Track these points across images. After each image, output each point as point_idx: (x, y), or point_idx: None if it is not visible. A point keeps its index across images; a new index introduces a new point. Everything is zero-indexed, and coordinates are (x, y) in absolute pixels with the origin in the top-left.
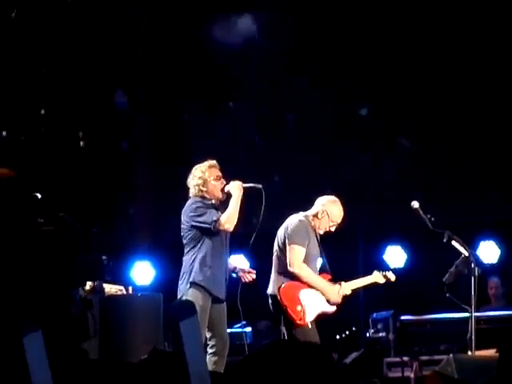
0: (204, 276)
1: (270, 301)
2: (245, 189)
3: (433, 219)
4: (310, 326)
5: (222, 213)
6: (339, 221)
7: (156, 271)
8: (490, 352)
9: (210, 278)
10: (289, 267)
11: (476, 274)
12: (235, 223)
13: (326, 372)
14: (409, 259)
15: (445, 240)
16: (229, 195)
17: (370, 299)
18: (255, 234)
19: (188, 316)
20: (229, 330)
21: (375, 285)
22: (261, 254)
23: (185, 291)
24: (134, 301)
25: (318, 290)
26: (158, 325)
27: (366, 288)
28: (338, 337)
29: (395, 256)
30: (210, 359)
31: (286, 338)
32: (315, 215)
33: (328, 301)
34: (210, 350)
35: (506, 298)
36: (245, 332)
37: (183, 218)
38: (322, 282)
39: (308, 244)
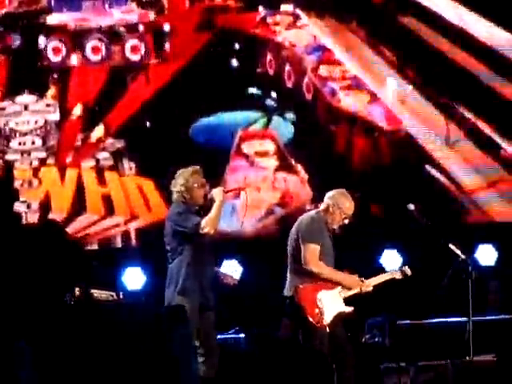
0: (190, 284)
1: (285, 302)
2: (227, 192)
3: (429, 222)
4: (327, 329)
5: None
6: (351, 212)
7: (147, 277)
8: (488, 357)
9: (196, 286)
10: (305, 266)
11: (473, 277)
12: (216, 227)
13: None
14: (404, 263)
15: (441, 243)
16: (212, 201)
17: (366, 304)
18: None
19: (180, 322)
20: (222, 337)
21: (394, 281)
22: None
23: (171, 300)
24: (125, 306)
25: (338, 283)
26: (148, 330)
27: (384, 284)
28: None
29: (391, 259)
30: (200, 367)
31: (302, 341)
32: (326, 210)
33: (345, 300)
34: (200, 359)
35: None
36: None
37: (167, 224)
38: (340, 274)
39: (323, 240)
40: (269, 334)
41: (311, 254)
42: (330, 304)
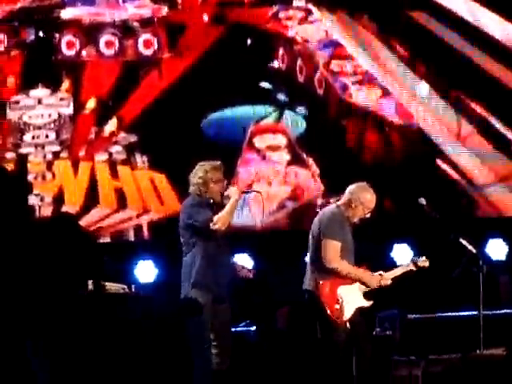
0: (205, 277)
1: (306, 296)
2: (243, 193)
3: (438, 216)
4: (347, 325)
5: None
6: (373, 206)
7: (159, 270)
8: (498, 351)
9: (211, 279)
10: (325, 263)
11: (484, 271)
12: (227, 224)
13: None
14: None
15: (452, 237)
16: (227, 198)
17: (376, 297)
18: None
19: (194, 315)
20: (233, 330)
21: (410, 273)
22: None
23: (186, 293)
24: (137, 299)
25: (359, 281)
26: (161, 323)
27: (402, 277)
28: None
29: (402, 253)
30: (213, 359)
31: (320, 335)
32: (348, 205)
33: (365, 294)
34: (213, 351)
35: None
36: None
37: (180, 216)
38: (361, 272)
39: (344, 236)
40: (278, 327)
41: (332, 250)
42: (350, 299)
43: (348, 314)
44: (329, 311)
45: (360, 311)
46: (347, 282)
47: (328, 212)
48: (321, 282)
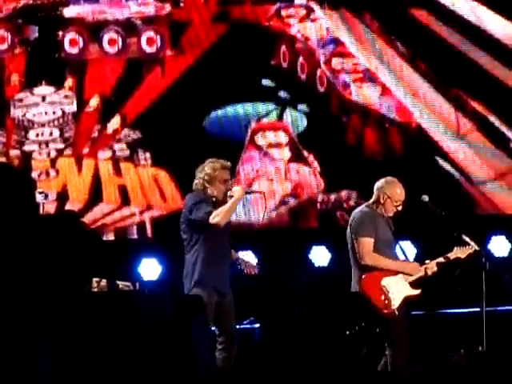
0: (208, 274)
1: (353, 298)
2: (247, 193)
3: (443, 213)
4: (396, 313)
5: None
6: (402, 198)
7: (162, 267)
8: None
9: (214, 275)
10: (360, 260)
11: (487, 268)
12: (227, 220)
13: None
14: (418, 254)
15: (455, 234)
16: (230, 198)
17: None
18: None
19: (197, 312)
20: (236, 327)
21: (459, 260)
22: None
23: (189, 291)
24: (141, 297)
25: (398, 272)
26: (164, 322)
27: (449, 263)
28: (347, 332)
29: (405, 251)
30: (218, 356)
31: (369, 330)
32: (377, 201)
33: (411, 283)
34: (218, 347)
35: None
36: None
37: (183, 212)
38: (398, 263)
39: (377, 232)
40: (282, 324)
41: (364, 247)
42: (397, 289)
43: (396, 303)
44: (375, 303)
45: (409, 301)
46: (390, 273)
47: (357, 212)
48: (363, 277)
